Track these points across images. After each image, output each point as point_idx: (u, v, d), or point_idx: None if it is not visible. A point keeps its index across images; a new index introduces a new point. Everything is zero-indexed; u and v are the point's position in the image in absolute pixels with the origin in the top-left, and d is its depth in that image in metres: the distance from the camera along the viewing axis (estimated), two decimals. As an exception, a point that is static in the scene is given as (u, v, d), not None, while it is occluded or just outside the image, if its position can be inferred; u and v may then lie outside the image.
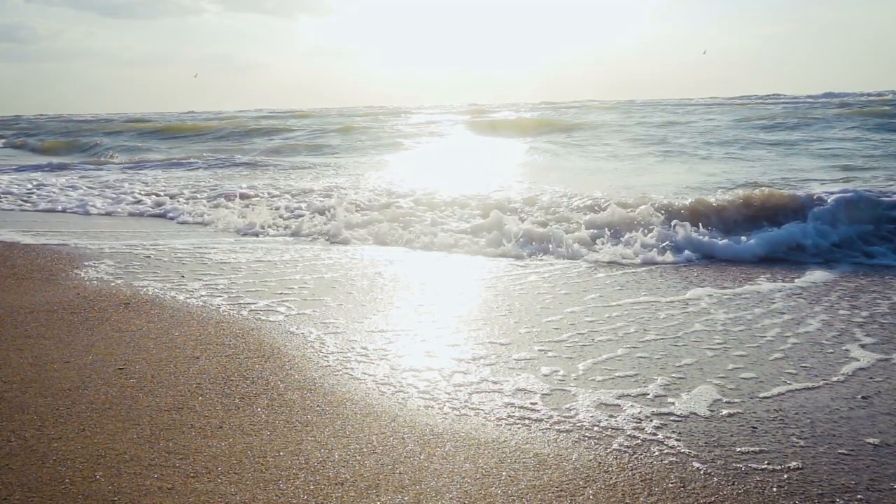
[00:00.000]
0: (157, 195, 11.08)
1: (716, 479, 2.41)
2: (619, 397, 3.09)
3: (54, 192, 11.81)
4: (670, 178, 11.15)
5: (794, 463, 2.50)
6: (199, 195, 10.98)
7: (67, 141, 27.41)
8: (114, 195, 11.31)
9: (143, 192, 11.50)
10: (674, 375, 3.35)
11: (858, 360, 3.53)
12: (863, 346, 3.74)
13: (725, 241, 6.35)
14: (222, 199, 10.24)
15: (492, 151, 18.73)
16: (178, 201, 10.39)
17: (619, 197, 8.26)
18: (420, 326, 4.18)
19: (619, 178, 11.50)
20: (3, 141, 30.26)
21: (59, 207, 10.35)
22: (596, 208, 7.88)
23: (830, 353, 3.66)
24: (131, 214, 9.81)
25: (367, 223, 7.85)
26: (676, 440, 2.68)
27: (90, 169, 16.65)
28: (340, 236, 7.33)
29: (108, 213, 9.89)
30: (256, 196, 10.35)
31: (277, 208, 9.29)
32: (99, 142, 25.61)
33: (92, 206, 10.31)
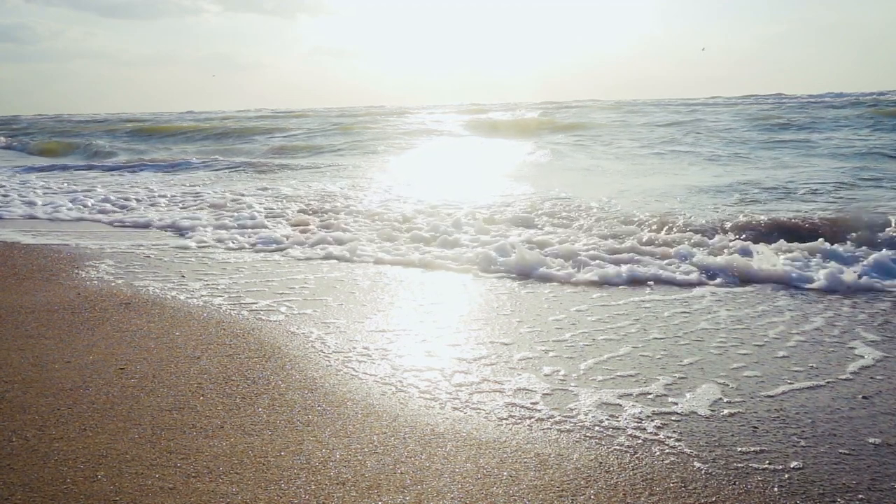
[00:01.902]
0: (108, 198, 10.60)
1: (717, 478, 2.40)
2: (621, 397, 3.09)
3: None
4: (693, 181, 10.78)
5: (796, 463, 2.50)
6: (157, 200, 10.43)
7: (60, 141, 26.38)
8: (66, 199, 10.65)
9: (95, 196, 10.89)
10: (675, 375, 3.35)
11: (859, 360, 3.53)
12: (865, 346, 3.74)
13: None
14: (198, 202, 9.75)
15: (498, 153, 18.36)
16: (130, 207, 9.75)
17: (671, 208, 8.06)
18: (421, 326, 4.18)
19: (645, 181, 11.10)
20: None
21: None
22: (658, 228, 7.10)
23: (833, 352, 3.66)
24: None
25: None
26: (678, 440, 2.68)
27: (80, 169, 16.34)
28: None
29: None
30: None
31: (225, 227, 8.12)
32: (94, 143, 25.01)
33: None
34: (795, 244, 6.02)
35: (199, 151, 20.94)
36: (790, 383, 3.23)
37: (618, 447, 2.63)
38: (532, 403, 3.04)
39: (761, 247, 5.98)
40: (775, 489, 2.33)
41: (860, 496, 2.29)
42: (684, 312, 4.44)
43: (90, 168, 16.79)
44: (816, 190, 9.22)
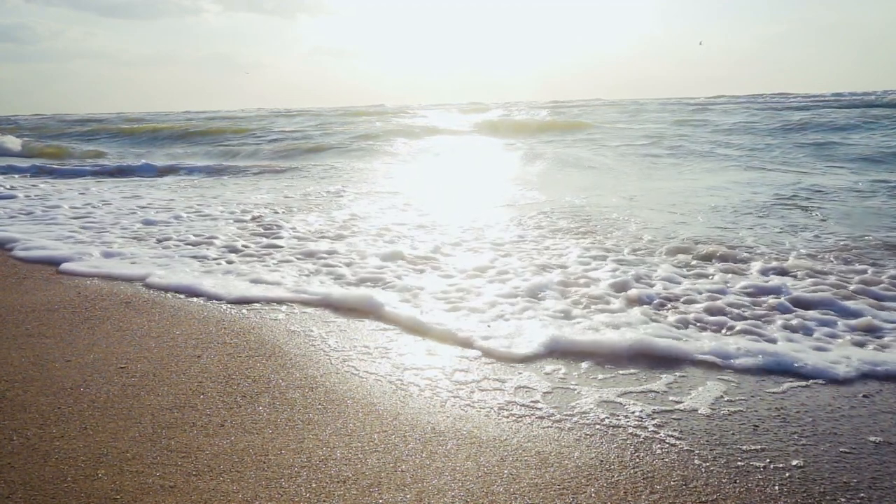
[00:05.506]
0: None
1: (717, 476, 2.40)
2: (622, 395, 3.09)
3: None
4: (728, 185, 10.27)
5: (796, 461, 2.50)
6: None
7: (50, 144, 24.86)
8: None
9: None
10: (676, 373, 3.34)
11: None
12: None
13: None
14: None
15: (504, 154, 17.86)
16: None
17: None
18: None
19: (671, 184, 11.00)
20: None
21: None
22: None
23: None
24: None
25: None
26: (678, 438, 2.68)
27: (65, 173, 15.78)
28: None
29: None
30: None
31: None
32: (86, 146, 24.21)
33: None
34: None
35: (198, 153, 20.78)
36: (791, 381, 3.23)
37: (618, 445, 2.63)
38: (533, 402, 3.04)
39: None
40: (776, 487, 2.33)
41: (861, 494, 2.29)
42: (685, 311, 4.43)
43: (80, 175, 15.97)
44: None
